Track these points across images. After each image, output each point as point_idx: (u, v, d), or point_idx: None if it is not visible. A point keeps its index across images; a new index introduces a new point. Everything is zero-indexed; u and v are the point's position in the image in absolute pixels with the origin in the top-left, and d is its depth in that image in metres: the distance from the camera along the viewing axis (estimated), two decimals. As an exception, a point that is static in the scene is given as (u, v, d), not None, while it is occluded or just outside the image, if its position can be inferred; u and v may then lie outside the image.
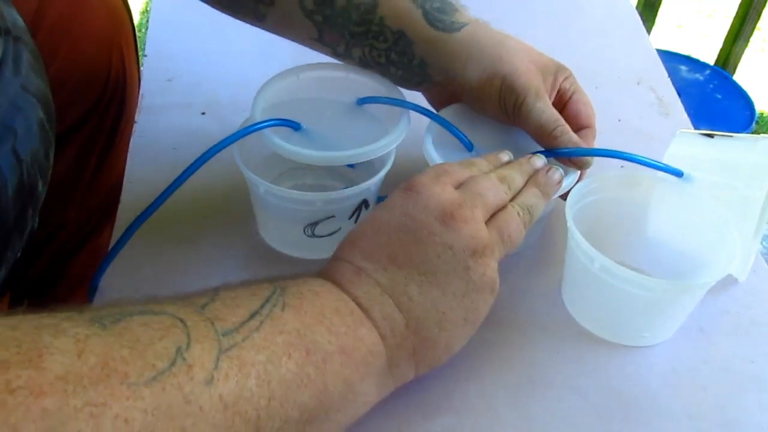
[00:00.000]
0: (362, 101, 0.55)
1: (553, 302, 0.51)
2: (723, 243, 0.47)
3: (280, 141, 0.49)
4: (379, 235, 0.40)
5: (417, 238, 0.40)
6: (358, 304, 0.38)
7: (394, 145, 0.51)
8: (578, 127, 0.52)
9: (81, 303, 0.52)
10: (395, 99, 0.53)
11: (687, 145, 0.52)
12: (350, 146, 0.49)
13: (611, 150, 0.49)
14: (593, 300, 0.49)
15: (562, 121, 0.49)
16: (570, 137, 0.49)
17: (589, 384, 0.46)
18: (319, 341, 0.35)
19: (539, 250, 0.55)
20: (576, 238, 0.46)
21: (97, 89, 0.73)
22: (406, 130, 0.51)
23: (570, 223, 0.46)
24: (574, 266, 0.49)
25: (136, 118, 0.64)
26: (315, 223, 0.50)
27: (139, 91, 0.68)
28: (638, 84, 0.72)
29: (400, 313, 0.39)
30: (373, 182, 0.50)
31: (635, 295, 0.45)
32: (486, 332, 0.49)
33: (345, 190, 0.49)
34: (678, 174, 0.49)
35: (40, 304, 0.79)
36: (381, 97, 0.54)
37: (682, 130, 0.54)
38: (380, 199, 0.55)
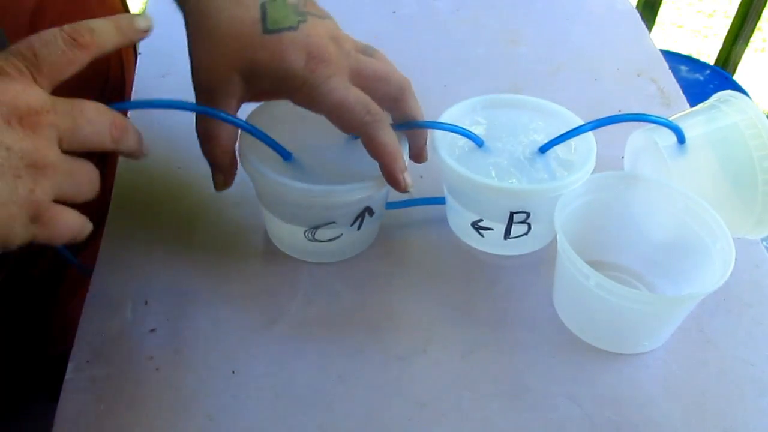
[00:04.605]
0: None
1: (546, 307, 0.50)
2: (715, 237, 0.46)
3: (265, 169, 0.46)
4: None
5: None
6: None
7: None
8: None
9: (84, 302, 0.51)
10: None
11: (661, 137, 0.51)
12: (339, 179, 0.46)
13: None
14: (589, 314, 0.47)
15: None
16: None
17: (584, 391, 0.45)
18: None
19: (530, 251, 0.54)
20: (570, 256, 0.44)
21: (95, 91, 0.72)
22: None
23: (560, 236, 0.44)
24: (567, 279, 0.47)
25: (128, 113, 0.63)
26: (316, 228, 0.49)
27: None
28: (638, 76, 0.71)
29: None
30: (376, 191, 0.47)
31: (634, 309, 0.44)
32: (479, 337, 0.48)
33: (346, 192, 0.46)
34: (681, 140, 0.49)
35: (42, 303, 0.77)
36: None
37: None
38: (390, 206, 0.54)
